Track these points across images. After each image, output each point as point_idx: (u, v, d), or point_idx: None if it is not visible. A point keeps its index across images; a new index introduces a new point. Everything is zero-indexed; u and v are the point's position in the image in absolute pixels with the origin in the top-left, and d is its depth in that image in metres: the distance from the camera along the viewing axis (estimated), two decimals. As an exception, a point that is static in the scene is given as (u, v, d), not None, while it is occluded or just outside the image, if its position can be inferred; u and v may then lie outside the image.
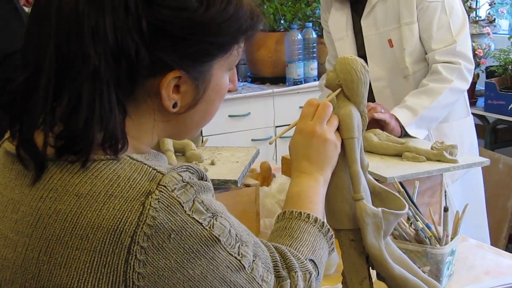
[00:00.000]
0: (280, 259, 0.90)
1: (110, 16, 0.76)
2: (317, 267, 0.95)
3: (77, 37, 0.76)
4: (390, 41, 2.14)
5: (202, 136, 3.06)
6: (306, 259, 0.94)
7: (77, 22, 0.76)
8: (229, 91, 0.90)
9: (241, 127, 3.66)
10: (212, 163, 1.63)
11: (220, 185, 1.52)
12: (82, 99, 0.76)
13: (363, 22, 2.17)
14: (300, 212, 1.00)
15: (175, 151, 1.66)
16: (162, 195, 0.76)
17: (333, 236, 1.03)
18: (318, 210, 1.03)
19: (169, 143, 1.63)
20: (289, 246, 0.95)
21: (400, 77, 2.16)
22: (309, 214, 1.00)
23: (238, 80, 3.74)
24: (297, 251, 0.94)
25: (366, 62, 2.11)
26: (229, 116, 3.60)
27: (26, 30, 0.82)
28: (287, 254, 0.91)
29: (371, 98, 2.16)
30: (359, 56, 2.15)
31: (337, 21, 2.23)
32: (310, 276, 0.92)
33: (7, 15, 1.90)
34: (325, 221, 1.03)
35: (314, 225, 0.99)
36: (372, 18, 2.15)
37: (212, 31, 0.81)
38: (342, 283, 1.23)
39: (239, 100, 3.61)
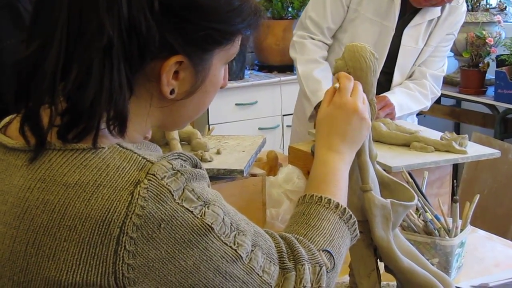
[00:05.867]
0: (287, 250, 0.87)
1: None
2: (333, 258, 0.91)
3: (92, 8, 0.76)
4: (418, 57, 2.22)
5: (209, 125, 3.04)
6: (320, 250, 0.90)
7: None
8: (221, 87, 0.91)
9: (248, 116, 3.65)
10: (218, 152, 1.61)
11: (226, 175, 1.51)
12: (92, 73, 0.75)
13: (406, 32, 2.15)
14: (321, 197, 0.96)
15: (181, 140, 1.64)
16: (151, 184, 0.75)
17: (356, 222, 0.98)
18: (341, 195, 0.99)
19: (174, 132, 1.62)
20: (304, 236, 0.91)
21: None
22: (330, 199, 0.96)
23: (246, 68, 3.74)
24: (310, 242, 0.90)
25: (392, 71, 2.17)
26: (236, 104, 3.59)
27: (35, 1, 0.81)
28: (295, 245, 0.88)
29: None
30: (387, 58, 2.15)
31: (389, 10, 2.12)
32: (321, 269, 0.88)
33: None
34: (347, 206, 0.98)
35: (334, 212, 0.95)
36: (416, 31, 2.15)
37: (219, 18, 0.83)
38: (349, 275, 1.22)
39: (246, 89, 3.59)
